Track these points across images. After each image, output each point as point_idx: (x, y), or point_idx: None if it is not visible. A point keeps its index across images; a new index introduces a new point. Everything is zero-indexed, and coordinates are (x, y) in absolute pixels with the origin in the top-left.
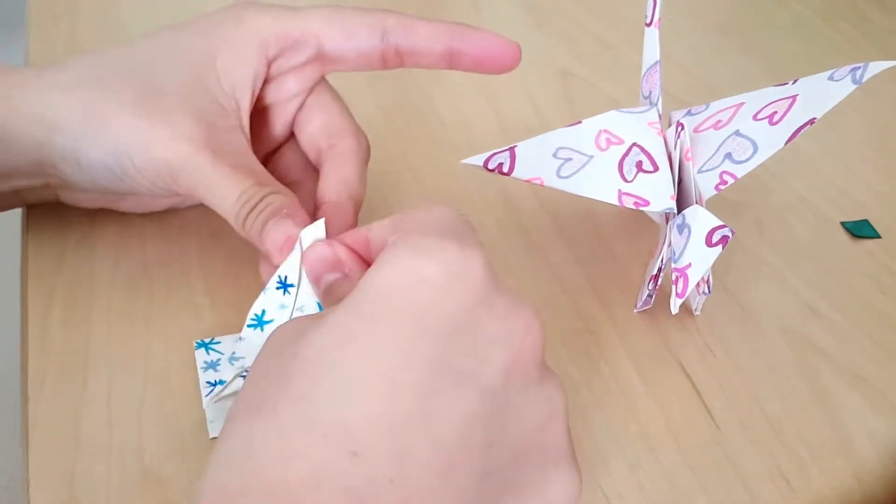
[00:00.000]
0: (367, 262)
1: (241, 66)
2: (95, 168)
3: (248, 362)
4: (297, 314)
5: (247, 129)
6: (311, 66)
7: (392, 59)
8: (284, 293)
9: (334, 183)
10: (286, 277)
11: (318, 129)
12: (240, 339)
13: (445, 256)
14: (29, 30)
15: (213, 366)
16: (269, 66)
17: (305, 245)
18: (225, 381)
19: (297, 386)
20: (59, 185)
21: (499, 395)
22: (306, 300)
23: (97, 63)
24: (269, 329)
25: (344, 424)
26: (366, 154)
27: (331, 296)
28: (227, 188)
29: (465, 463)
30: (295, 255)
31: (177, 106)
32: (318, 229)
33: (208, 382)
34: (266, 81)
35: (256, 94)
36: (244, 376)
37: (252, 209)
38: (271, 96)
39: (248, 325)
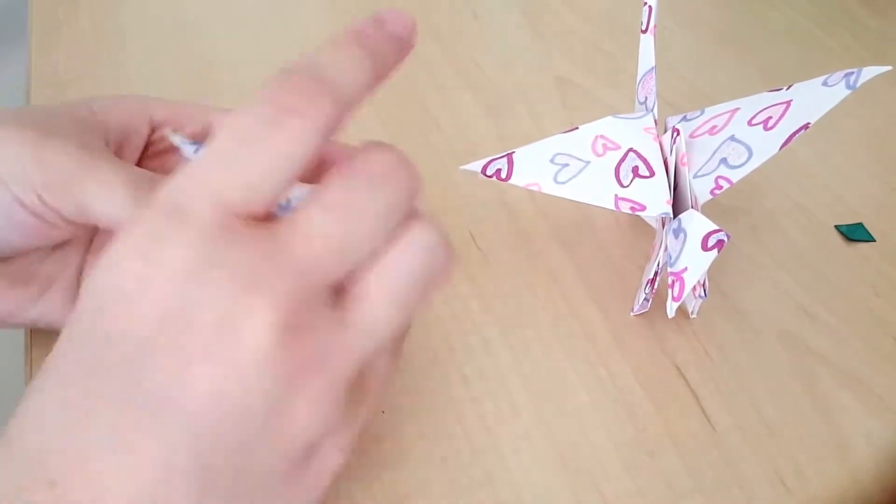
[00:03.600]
0: None
1: (117, 112)
2: None
3: None
4: None
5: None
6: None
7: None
8: None
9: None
10: None
11: None
12: None
13: (128, 258)
14: (31, 39)
15: None
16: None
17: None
18: None
19: (19, 411)
20: None
21: (208, 419)
22: None
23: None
24: None
25: (42, 453)
26: None
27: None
28: (116, 182)
29: (175, 490)
30: None
31: (63, 133)
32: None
33: None
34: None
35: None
36: None
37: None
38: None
39: None
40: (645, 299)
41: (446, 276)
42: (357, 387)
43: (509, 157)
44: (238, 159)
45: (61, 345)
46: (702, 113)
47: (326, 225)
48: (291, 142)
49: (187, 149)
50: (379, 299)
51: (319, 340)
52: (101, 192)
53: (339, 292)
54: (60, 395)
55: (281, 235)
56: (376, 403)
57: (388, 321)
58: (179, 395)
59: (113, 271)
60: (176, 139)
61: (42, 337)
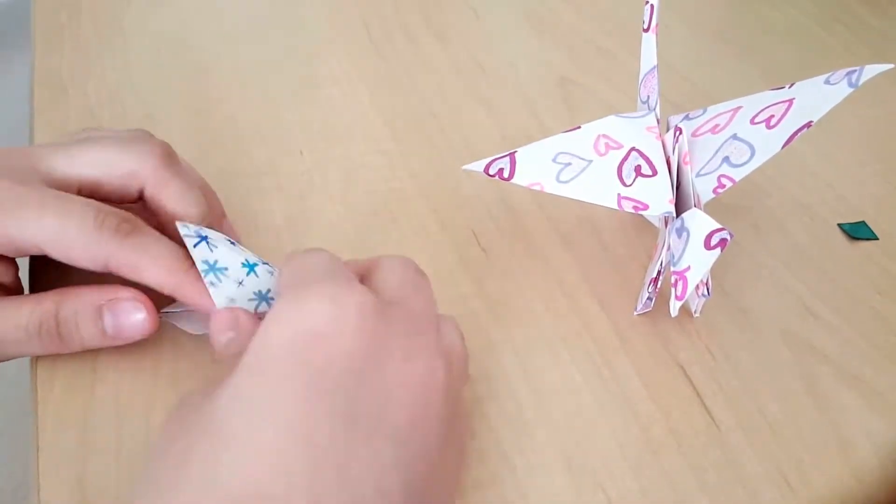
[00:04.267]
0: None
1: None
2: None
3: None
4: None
5: None
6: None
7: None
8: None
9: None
10: (216, 262)
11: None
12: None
13: (331, 305)
14: (34, 42)
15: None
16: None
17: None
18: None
19: (198, 459)
20: None
21: (408, 439)
22: (229, 262)
23: None
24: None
25: (250, 491)
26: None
27: (226, 353)
28: (17, 334)
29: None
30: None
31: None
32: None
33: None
34: None
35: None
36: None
37: (56, 328)
38: None
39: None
40: (648, 299)
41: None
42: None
43: (512, 156)
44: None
45: (246, 389)
46: (704, 112)
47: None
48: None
49: (190, 241)
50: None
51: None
52: (31, 221)
53: None
54: (266, 435)
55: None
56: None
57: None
58: (387, 419)
59: (301, 317)
60: (183, 229)
61: None
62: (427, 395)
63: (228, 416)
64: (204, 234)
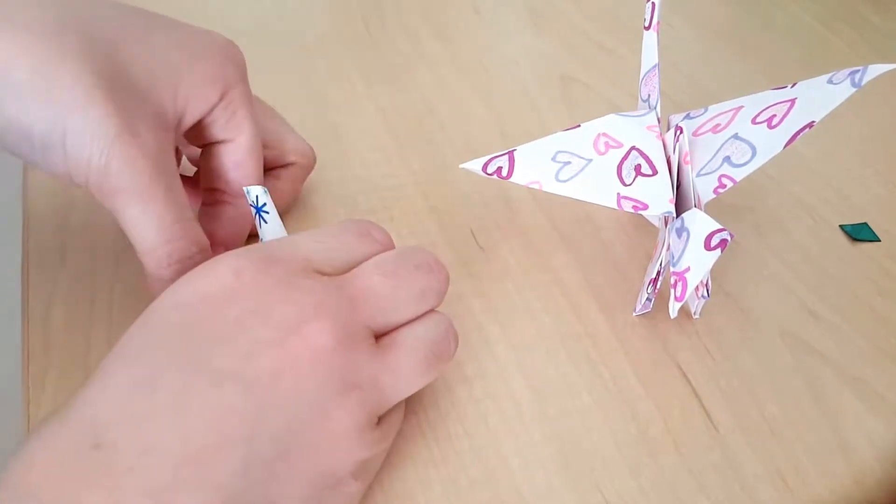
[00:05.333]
0: None
1: (198, 97)
2: (11, 126)
3: None
4: None
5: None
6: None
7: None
8: None
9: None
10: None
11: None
12: None
13: (222, 275)
14: None
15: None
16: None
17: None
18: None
19: (79, 395)
20: None
21: (264, 393)
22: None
23: (61, 13)
24: None
25: (91, 421)
26: (310, 170)
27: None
28: (153, 217)
29: (220, 455)
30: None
31: (133, 103)
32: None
33: None
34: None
35: (192, 122)
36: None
37: (178, 262)
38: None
39: None
40: (647, 299)
41: (451, 355)
42: (378, 427)
43: (510, 154)
44: (330, 245)
45: (133, 331)
46: (705, 111)
47: (379, 285)
48: (364, 249)
49: (253, 209)
50: (404, 348)
51: (361, 361)
52: (141, 221)
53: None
54: (127, 370)
55: (345, 282)
56: (384, 453)
57: (408, 369)
58: (243, 369)
59: (203, 281)
60: (251, 195)
61: (39, 333)
62: (296, 354)
63: (111, 356)
64: (262, 204)
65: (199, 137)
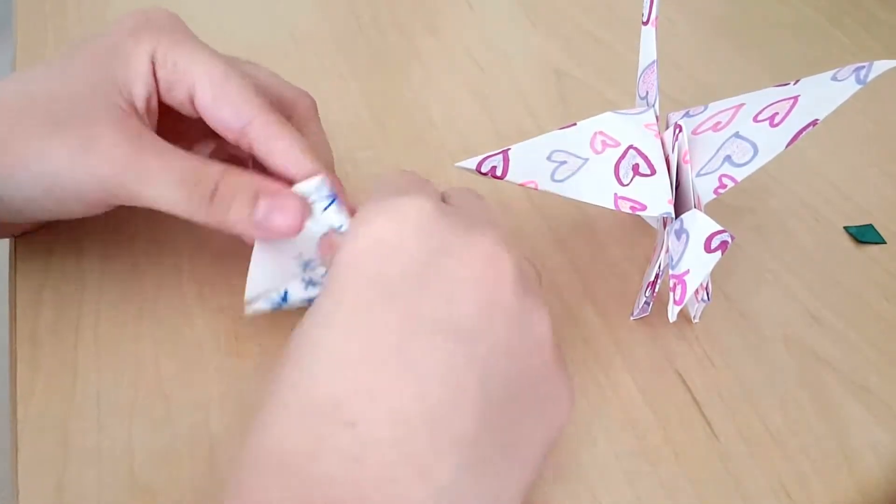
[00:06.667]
0: None
1: (136, 78)
2: (14, 202)
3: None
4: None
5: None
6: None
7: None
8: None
9: (302, 154)
10: (300, 254)
11: (229, 113)
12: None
13: (395, 213)
14: (16, 30)
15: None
16: (157, 81)
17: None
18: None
19: (290, 371)
20: None
21: (477, 333)
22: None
23: None
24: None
25: (334, 398)
26: (317, 111)
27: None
28: (170, 179)
29: (458, 406)
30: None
31: (89, 118)
32: (320, 189)
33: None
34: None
35: (152, 99)
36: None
37: (213, 194)
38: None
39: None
40: (645, 303)
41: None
42: None
43: (505, 153)
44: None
45: (323, 304)
46: (705, 109)
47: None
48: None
49: (318, 206)
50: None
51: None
52: (162, 198)
53: None
54: (339, 345)
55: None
56: None
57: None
58: (453, 316)
59: (368, 229)
60: (313, 193)
61: (27, 339)
62: (493, 284)
63: (310, 333)
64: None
65: (188, 114)
